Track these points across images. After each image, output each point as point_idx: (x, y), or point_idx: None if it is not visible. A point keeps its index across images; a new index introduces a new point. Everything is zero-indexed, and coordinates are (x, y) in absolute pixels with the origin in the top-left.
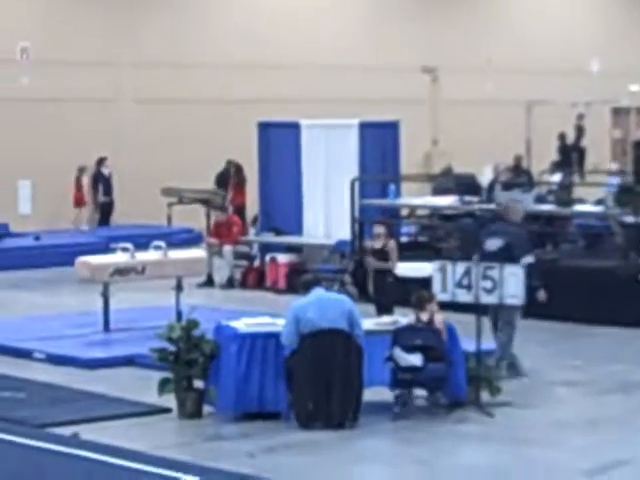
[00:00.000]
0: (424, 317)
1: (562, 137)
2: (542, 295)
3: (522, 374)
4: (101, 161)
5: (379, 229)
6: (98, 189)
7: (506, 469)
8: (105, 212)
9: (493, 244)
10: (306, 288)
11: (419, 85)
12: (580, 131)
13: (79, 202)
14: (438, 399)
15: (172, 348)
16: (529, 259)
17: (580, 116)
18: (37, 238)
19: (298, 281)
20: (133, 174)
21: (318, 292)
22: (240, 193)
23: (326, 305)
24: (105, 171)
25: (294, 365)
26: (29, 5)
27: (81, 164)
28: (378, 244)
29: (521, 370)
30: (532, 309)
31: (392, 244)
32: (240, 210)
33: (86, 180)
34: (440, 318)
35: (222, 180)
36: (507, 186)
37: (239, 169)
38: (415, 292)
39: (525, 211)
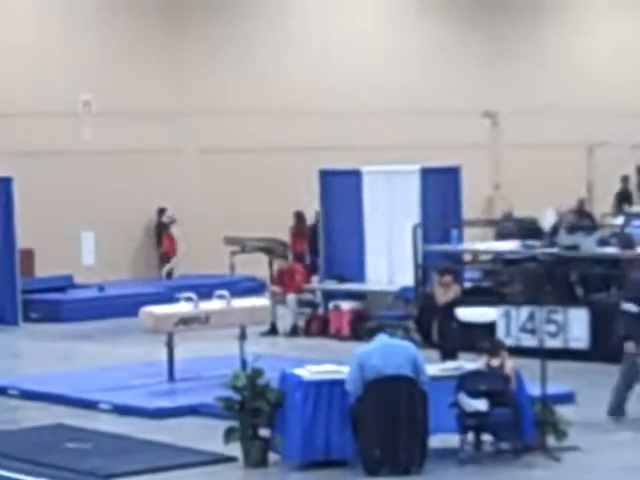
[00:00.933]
0: (495, 363)
1: (625, 179)
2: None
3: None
4: (162, 211)
5: (445, 277)
6: (162, 240)
7: None
8: (166, 262)
9: None
10: (370, 335)
11: (480, 130)
12: None
13: (169, 252)
14: (505, 444)
15: (237, 397)
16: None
17: None
18: (101, 289)
19: (362, 328)
20: (196, 223)
21: (382, 338)
22: (300, 241)
23: (390, 351)
24: (166, 221)
25: (359, 412)
26: (90, 58)
27: (170, 214)
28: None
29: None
30: (595, 352)
31: (457, 289)
32: (300, 258)
33: (175, 230)
34: (511, 365)
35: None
36: (571, 229)
37: (300, 217)
38: (485, 339)
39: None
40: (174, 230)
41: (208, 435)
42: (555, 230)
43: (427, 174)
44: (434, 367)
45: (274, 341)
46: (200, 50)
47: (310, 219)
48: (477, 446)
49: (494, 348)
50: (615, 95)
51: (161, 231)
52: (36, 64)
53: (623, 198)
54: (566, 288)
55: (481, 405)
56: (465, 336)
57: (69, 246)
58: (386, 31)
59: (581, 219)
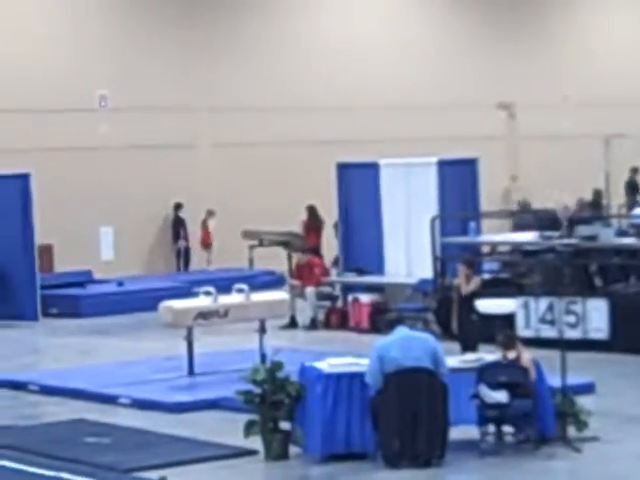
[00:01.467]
0: (511, 355)
1: (634, 170)
2: None
3: None
4: (178, 207)
5: (464, 269)
6: (180, 235)
7: None
8: (185, 257)
9: None
10: (390, 327)
11: (496, 122)
12: None
13: (206, 244)
14: (526, 435)
15: (257, 390)
16: None
17: None
18: (120, 284)
19: (382, 320)
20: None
21: (402, 331)
22: (314, 235)
23: (410, 344)
24: (182, 216)
25: (379, 404)
26: (106, 53)
27: (209, 208)
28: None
29: None
30: (614, 343)
31: (477, 280)
32: (314, 252)
33: (213, 223)
34: (527, 356)
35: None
36: (587, 220)
37: (312, 211)
38: (501, 331)
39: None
40: (211, 223)
41: (228, 429)
42: (572, 221)
43: (444, 166)
44: (454, 359)
45: (293, 334)
46: (215, 45)
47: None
48: (498, 438)
49: (508, 341)
50: (632, 87)
51: (178, 226)
52: (52, 61)
53: (632, 189)
54: (585, 279)
55: (501, 397)
56: (485, 328)
57: (88, 241)
58: (402, 24)
59: (597, 210)
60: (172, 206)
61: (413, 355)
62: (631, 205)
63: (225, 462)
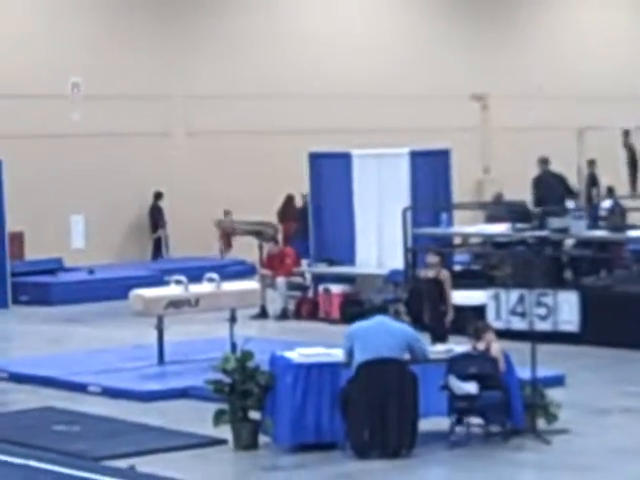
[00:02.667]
0: (480, 346)
1: (591, 163)
2: None
3: None
4: (158, 196)
5: (433, 259)
6: (158, 223)
7: None
8: (159, 245)
9: None
10: (372, 313)
11: (469, 113)
12: (631, 150)
13: (227, 244)
14: (495, 427)
15: (227, 380)
16: None
17: (626, 133)
18: (91, 272)
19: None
20: (186, 207)
21: (379, 318)
22: (288, 223)
23: (385, 330)
24: (161, 205)
25: (349, 394)
26: (79, 40)
27: (225, 208)
28: (431, 273)
29: None
30: (586, 336)
31: (445, 274)
32: (288, 240)
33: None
34: (497, 347)
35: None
36: (559, 213)
37: (290, 200)
38: (471, 322)
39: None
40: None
41: (198, 418)
42: (544, 213)
43: (417, 157)
44: None
45: (264, 324)
46: (190, 33)
47: (298, 202)
48: (467, 429)
49: (477, 332)
50: (604, 79)
51: (156, 215)
52: (25, 46)
53: (591, 182)
54: (556, 271)
55: (471, 388)
56: (455, 319)
57: (59, 229)
58: (375, 15)
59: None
60: (152, 195)
61: (387, 343)
62: (589, 198)
63: (194, 451)
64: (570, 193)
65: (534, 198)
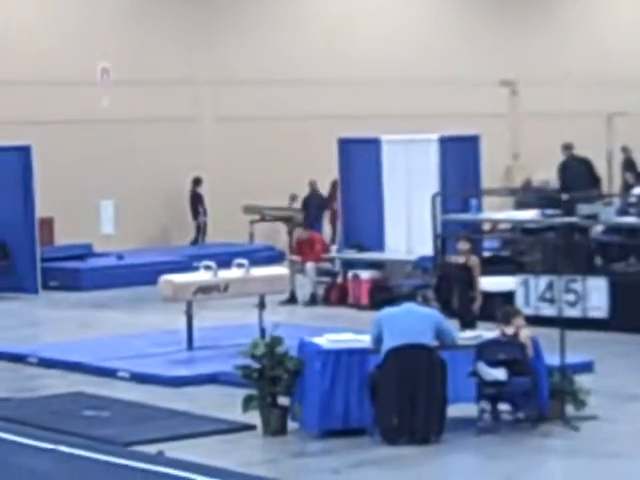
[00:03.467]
0: (509, 331)
1: (625, 150)
2: None
3: None
4: (197, 182)
5: (464, 245)
6: (198, 210)
7: None
8: (202, 232)
9: None
10: (402, 300)
11: (498, 99)
12: None
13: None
14: (524, 413)
15: (256, 365)
16: None
17: None
18: (120, 257)
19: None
20: (214, 192)
21: (408, 305)
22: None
23: (414, 316)
24: (200, 192)
25: (378, 381)
26: (109, 26)
27: (292, 192)
28: (461, 259)
29: None
30: (614, 322)
31: (475, 260)
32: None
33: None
34: (526, 333)
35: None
36: (589, 199)
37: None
38: (500, 307)
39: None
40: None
41: (227, 403)
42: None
43: (446, 143)
44: None
45: (293, 310)
46: (218, 18)
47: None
48: (495, 415)
49: (506, 316)
50: (635, 65)
51: (196, 202)
52: (54, 32)
53: (627, 167)
54: (585, 257)
55: (500, 374)
56: (484, 305)
57: (88, 215)
58: (406, 0)
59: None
60: (191, 181)
61: (415, 328)
62: (625, 184)
63: (223, 437)
64: (595, 179)
65: (561, 184)
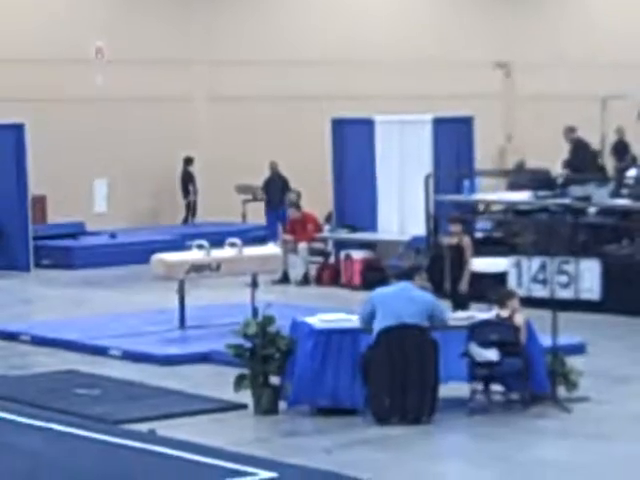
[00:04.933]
0: (504, 314)
1: (619, 131)
2: None
3: None
4: (188, 161)
5: (456, 227)
6: (189, 189)
7: (585, 464)
8: (192, 211)
9: None
10: (397, 278)
11: (492, 80)
12: None
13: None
14: (516, 394)
15: (248, 344)
16: None
17: None
18: (113, 236)
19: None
20: (207, 172)
21: (403, 284)
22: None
23: (408, 297)
24: (191, 170)
25: (370, 361)
26: (103, 4)
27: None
28: (454, 240)
29: None
30: (606, 304)
31: (467, 241)
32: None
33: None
34: (521, 315)
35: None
36: (582, 181)
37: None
38: (494, 289)
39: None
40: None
41: (218, 382)
42: (567, 181)
43: (440, 124)
44: None
45: (285, 289)
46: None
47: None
48: (487, 396)
49: (501, 298)
50: (630, 47)
51: (187, 180)
52: (48, 11)
53: (619, 149)
54: (577, 239)
55: (492, 355)
56: (476, 286)
57: (81, 193)
58: None
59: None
60: (182, 160)
61: (408, 310)
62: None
63: (214, 415)
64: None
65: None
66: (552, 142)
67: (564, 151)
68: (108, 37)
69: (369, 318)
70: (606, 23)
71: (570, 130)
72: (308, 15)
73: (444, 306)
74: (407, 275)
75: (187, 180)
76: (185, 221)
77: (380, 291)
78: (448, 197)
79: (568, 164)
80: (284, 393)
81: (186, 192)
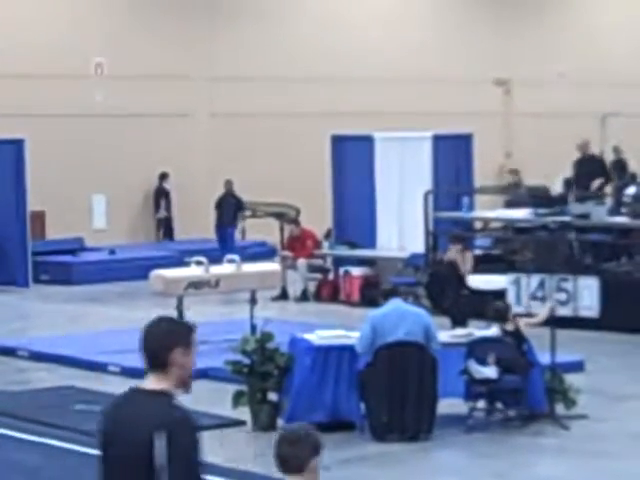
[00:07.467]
0: (510, 327)
1: (616, 150)
2: None
3: None
4: (163, 176)
5: (454, 246)
6: (160, 205)
7: None
8: (167, 228)
9: None
10: (385, 297)
11: (492, 97)
12: None
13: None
14: (515, 412)
15: (246, 361)
16: None
17: None
18: (112, 252)
19: (374, 293)
20: (207, 187)
21: (396, 302)
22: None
23: (403, 316)
24: (167, 186)
25: (369, 377)
26: (103, 21)
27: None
28: (453, 258)
29: None
30: (604, 321)
31: (468, 255)
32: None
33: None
34: (523, 322)
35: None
36: (581, 198)
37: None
38: (490, 306)
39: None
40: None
41: (217, 398)
42: (566, 199)
43: (439, 141)
44: (444, 334)
45: (284, 306)
46: (214, 15)
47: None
48: (486, 413)
49: (502, 314)
50: (629, 65)
51: (160, 197)
52: (49, 26)
53: (618, 167)
54: (576, 257)
55: (491, 372)
56: (475, 303)
57: (80, 209)
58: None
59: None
60: (157, 176)
61: (406, 328)
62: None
63: (213, 432)
64: (607, 177)
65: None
66: (551, 159)
67: (564, 168)
68: (108, 53)
69: (371, 343)
70: (606, 41)
71: (585, 144)
72: (308, 32)
73: (435, 326)
74: (394, 292)
75: (159, 196)
76: (157, 238)
77: (376, 313)
78: (447, 214)
79: (577, 170)
80: (282, 409)
81: (157, 208)
